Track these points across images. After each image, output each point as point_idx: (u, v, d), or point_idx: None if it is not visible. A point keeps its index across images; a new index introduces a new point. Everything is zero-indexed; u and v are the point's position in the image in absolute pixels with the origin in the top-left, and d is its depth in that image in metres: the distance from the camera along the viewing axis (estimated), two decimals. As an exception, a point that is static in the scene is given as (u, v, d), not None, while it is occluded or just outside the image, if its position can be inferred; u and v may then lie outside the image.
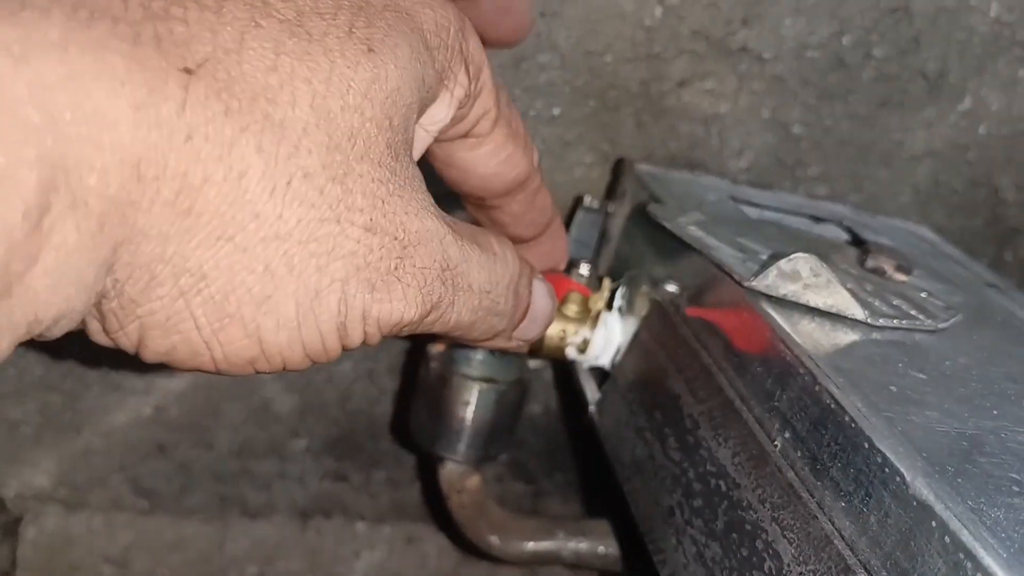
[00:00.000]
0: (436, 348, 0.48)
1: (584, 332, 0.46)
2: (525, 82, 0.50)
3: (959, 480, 0.25)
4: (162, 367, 0.25)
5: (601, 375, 0.47)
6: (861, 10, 0.53)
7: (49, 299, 0.19)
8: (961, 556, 0.22)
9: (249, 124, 0.21)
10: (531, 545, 0.49)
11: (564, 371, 0.59)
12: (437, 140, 0.30)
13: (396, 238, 0.24)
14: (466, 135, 0.31)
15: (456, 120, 0.29)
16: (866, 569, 0.25)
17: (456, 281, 0.27)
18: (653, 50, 0.51)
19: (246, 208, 0.21)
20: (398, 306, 0.25)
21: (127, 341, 0.23)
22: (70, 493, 0.58)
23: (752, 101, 0.54)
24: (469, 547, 0.50)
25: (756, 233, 0.43)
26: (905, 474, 0.25)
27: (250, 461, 0.60)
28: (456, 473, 0.48)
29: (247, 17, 0.22)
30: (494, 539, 0.48)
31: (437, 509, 0.64)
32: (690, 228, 0.41)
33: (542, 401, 0.62)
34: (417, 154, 0.29)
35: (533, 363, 0.57)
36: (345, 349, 0.25)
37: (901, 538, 0.24)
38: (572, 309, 0.46)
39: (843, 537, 0.27)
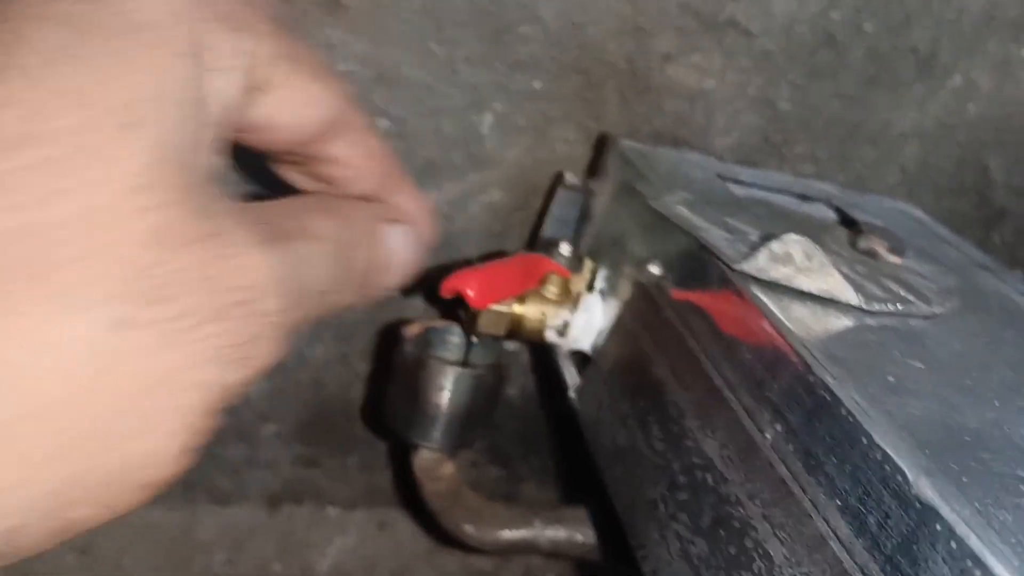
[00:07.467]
0: (411, 330, 0.46)
1: (564, 314, 0.44)
2: (506, 55, 0.48)
3: (964, 479, 0.23)
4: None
5: (581, 359, 0.45)
6: (852, -15, 0.51)
7: None
8: (969, 563, 0.21)
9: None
10: (507, 533, 0.48)
11: (542, 354, 0.57)
12: None
13: (241, 304, 0.22)
14: (246, 92, 0.26)
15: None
16: (864, 574, 0.24)
17: (301, 300, 0.25)
18: (639, 23, 0.49)
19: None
20: (264, 361, 0.23)
21: None
22: (29, 478, 0.56)
23: (739, 78, 0.52)
24: (443, 535, 0.49)
25: (745, 213, 0.41)
26: (907, 473, 0.23)
27: (218, 446, 0.58)
28: (430, 460, 0.46)
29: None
30: (469, 528, 0.47)
31: (410, 496, 0.63)
32: (677, 207, 0.39)
33: (519, 383, 0.61)
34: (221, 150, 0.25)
35: (510, 346, 0.55)
36: None
37: (903, 542, 0.23)
38: (552, 291, 0.44)
39: (839, 538, 0.25)
